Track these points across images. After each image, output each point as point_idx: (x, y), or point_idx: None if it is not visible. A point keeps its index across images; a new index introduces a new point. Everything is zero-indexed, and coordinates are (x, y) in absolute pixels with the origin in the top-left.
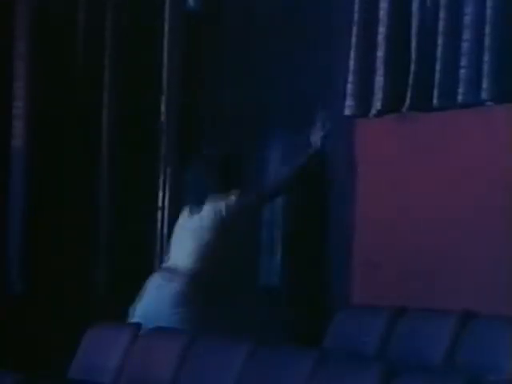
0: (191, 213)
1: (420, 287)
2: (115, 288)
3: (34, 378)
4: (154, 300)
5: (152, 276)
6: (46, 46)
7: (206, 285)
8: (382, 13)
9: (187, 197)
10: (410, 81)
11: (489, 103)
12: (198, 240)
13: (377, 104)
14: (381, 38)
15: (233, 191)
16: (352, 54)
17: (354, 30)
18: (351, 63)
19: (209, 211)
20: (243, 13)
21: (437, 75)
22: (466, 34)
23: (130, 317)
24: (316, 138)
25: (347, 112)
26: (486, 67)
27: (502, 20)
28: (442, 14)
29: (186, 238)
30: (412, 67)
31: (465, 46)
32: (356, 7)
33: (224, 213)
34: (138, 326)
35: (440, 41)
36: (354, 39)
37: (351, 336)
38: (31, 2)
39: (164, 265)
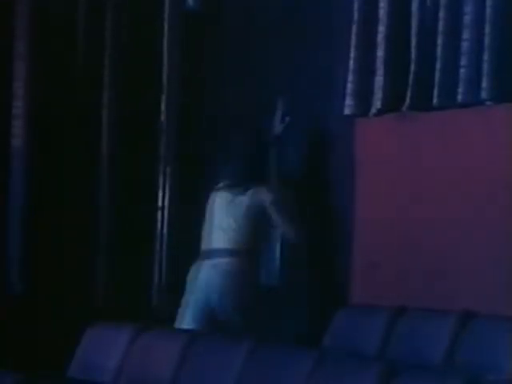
0: (235, 194)
1: (420, 287)
2: (115, 288)
3: (34, 378)
4: (210, 285)
5: (196, 264)
6: (46, 46)
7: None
8: (382, 12)
9: (224, 176)
10: (410, 80)
11: (488, 103)
12: (237, 218)
13: (377, 103)
14: (380, 37)
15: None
16: (352, 54)
17: (354, 29)
18: (351, 63)
19: (251, 194)
20: (243, 13)
21: (436, 75)
22: (466, 34)
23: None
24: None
25: (347, 111)
26: (485, 67)
27: (501, 19)
28: (441, 14)
29: (224, 218)
30: (412, 67)
31: (464, 45)
32: (356, 6)
33: (266, 199)
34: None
35: (440, 40)
36: (353, 39)
37: (351, 336)
38: (31, 2)
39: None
